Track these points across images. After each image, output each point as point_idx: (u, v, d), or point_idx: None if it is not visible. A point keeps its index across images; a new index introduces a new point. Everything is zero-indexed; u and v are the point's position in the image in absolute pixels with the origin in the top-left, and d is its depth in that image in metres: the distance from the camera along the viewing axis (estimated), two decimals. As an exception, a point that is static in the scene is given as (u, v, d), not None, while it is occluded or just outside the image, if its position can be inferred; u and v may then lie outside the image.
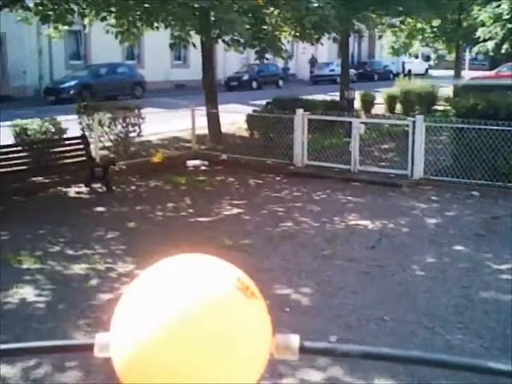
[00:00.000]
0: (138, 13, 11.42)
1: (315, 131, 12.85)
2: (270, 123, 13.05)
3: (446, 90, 24.60)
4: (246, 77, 33.88)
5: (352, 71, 28.86)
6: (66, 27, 12.06)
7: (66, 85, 26.30)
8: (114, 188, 10.68)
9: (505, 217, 8.92)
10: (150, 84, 29.47)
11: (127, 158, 12.79)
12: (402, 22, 21.14)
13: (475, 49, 23.09)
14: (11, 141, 12.02)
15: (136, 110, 13.48)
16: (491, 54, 22.81)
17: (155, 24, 11.66)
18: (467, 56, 32.60)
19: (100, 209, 9.52)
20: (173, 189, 10.92)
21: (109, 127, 13.17)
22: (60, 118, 13.33)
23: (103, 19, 11.20)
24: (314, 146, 12.62)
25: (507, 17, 20.59)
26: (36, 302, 6.11)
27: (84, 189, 10.72)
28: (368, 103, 20.28)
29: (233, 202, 9.90)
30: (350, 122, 12.37)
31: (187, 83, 33.31)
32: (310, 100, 15.62)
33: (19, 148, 10.65)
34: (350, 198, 10.13)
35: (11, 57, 27.73)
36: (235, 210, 9.47)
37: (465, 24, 23.81)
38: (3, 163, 9.99)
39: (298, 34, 16.05)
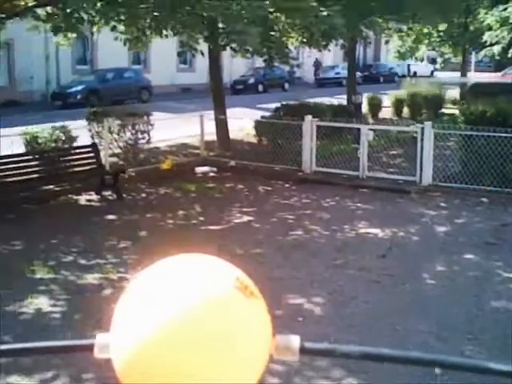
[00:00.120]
0: (148, 21, 11.48)
1: (323, 137, 12.91)
2: (279, 129, 13.10)
3: (453, 93, 24.63)
4: (251, 80, 33.94)
5: (357, 74, 28.90)
6: (74, 35, 12.12)
7: (73, 89, 26.42)
8: (124, 195, 10.75)
9: (514, 224, 8.96)
10: (157, 88, 29.57)
11: (136, 164, 12.87)
12: (410, 29, 21.19)
13: (482, 53, 23.09)
14: (22, 148, 12.13)
15: (145, 117, 13.56)
16: (498, 57, 22.83)
17: (164, 32, 11.71)
18: (473, 58, 32.60)
19: (111, 217, 9.60)
20: (183, 196, 10.98)
21: (118, 134, 13.27)
22: (67, 123, 13.42)
23: (113, 28, 11.27)
24: (323, 152, 12.68)
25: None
26: (51, 312, 6.18)
27: (94, 196, 10.79)
28: (375, 107, 20.33)
29: (243, 210, 9.96)
30: (359, 128, 12.43)
31: (193, 87, 33.42)
32: (318, 105, 15.66)
33: (30, 157, 10.73)
34: (359, 204, 10.18)
35: (18, 62, 27.86)
36: (245, 218, 9.53)
37: (471, 28, 23.83)
38: (14, 172, 10.09)
39: (305, 40, 16.10)
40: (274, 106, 22.95)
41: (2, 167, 10.07)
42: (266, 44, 10.77)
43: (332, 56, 40.25)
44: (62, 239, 8.44)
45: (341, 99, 23.37)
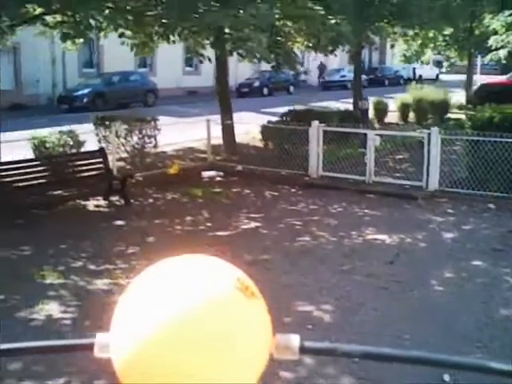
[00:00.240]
0: (156, 27, 11.53)
1: (330, 142, 12.94)
2: (285, 134, 13.15)
3: (458, 97, 24.63)
4: (257, 83, 34.01)
5: (363, 77, 28.96)
6: (82, 40, 12.18)
7: (80, 93, 26.53)
8: (131, 201, 10.80)
9: (521, 231, 8.98)
10: (162, 91, 29.65)
11: (143, 169, 12.92)
12: (416, 34, 21.22)
13: (488, 57, 23.10)
14: (29, 152, 12.21)
15: (152, 122, 13.63)
16: (504, 62, 22.83)
17: (172, 38, 11.77)
18: (478, 61, 32.56)
19: (119, 222, 9.64)
20: (190, 201, 11.02)
21: (125, 139, 13.34)
22: (74, 127, 13.49)
23: (121, 35, 11.33)
24: (329, 157, 12.71)
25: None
26: (62, 318, 6.22)
27: (102, 202, 10.84)
28: (381, 111, 20.34)
29: (250, 216, 10.00)
30: (365, 134, 12.46)
31: (199, 90, 33.51)
32: (325, 111, 15.71)
33: (38, 162, 10.80)
34: (366, 210, 10.20)
35: (25, 65, 27.98)
36: (253, 224, 9.56)
37: (477, 32, 23.83)
38: (23, 177, 10.15)
39: (311, 44, 16.14)
40: (279, 109, 23.06)
41: (11, 172, 10.14)
42: (274, 51, 10.81)
43: (337, 59, 40.31)
44: (71, 244, 8.49)
45: (346, 103, 23.42)
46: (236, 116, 15.91)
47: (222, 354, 0.73)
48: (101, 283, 7.07)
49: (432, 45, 24.27)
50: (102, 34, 13.65)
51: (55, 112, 25.27)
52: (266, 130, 14.52)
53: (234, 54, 13.57)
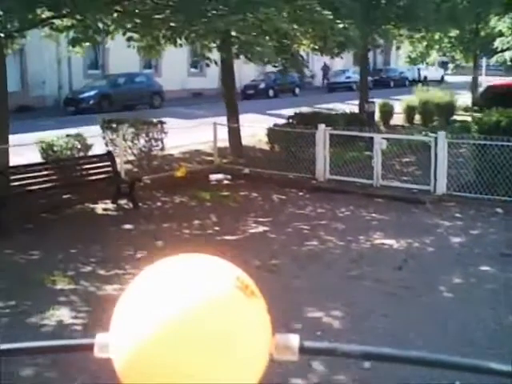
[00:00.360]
0: (163, 31, 11.55)
1: (336, 145, 12.97)
2: (292, 138, 13.19)
3: (464, 98, 24.62)
4: (262, 85, 34.00)
5: (368, 78, 29.01)
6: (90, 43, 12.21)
7: (86, 95, 26.59)
8: (139, 204, 10.84)
9: (529, 235, 8.98)
10: (168, 93, 29.68)
11: (150, 172, 12.97)
12: (422, 38, 21.23)
13: (493, 59, 23.09)
14: (36, 155, 12.26)
15: (159, 125, 13.68)
16: (509, 63, 22.82)
17: (179, 41, 11.80)
18: (484, 62, 32.53)
19: (128, 226, 9.67)
20: (198, 205, 11.05)
21: (132, 141, 13.39)
22: (81, 130, 13.54)
23: (129, 39, 11.37)
24: (336, 160, 12.73)
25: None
26: (73, 324, 6.25)
27: (110, 205, 10.88)
28: (387, 114, 20.33)
29: (258, 220, 10.02)
30: (372, 137, 12.48)
31: (204, 92, 33.54)
32: (331, 114, 15.76)
33: (47, 166, 10.84)
34: (373, 215, 10.22)
35: (31, 67, 28.04)
36: (261, 228, 9.59)
37: (482, 33, 23.82)
38: (31, 181, 10.20)
39: (316, 47, 16.15)
40: (284, 111, 23.11)
41: (19, 176, 10.19)
42: (281, 55, 10.85)
43: (342, 60, 40.31)
44: (80, 249, 8.52)
45: (352, 105, 23.44)
46: (241, 118, 15.94)
47: (221, 354, 0.73)
48: (111, 289, 7.10)
49: (437, 46, 24.26)
50: (109, 36, 13.74)
51: (61, 114, 25.36)
52: (272, 133, 14.56)
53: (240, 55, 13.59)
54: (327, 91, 37.72)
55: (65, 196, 10.69)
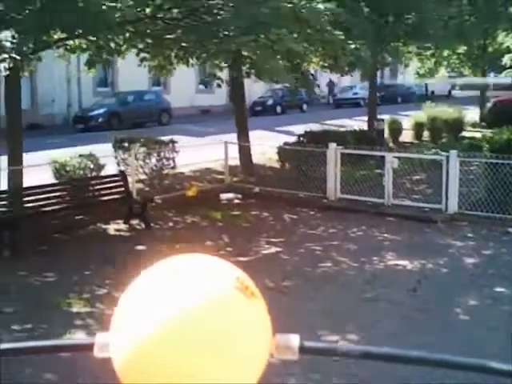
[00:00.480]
0: (174, 50, 11.64)
1: (346, 163, 12.99)
2: (303, 156, 13.23)
3: (472, 114, 24.62)
4: (270, 101, 34.11)
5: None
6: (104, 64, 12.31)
7: (95, 112, 26.74)
8: (151, 224, 10.87)
9: (542, 256, 8.97)
10: (176, 110, 29.81)
11: (162, 191, 13.02)
12: (432, 55, 21.32)
13: (502, 75, 23.15)
14: (48, 174, 12.33)
15: (170, 144, 13.75)
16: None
17: (190, 61, 11.90)
18: (491, 76, 32.58)
19: (140, 247, 9.69)
20: (209, 225, 11.08)
21: (143, 161, 13.46)
22: (92, 148, 13.60)
23: (142, 60, 11.47)
24: (347, 178, 12.75)
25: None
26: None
27: (123, 225, 10.92)
28: (396, 131, 20.36)
29: (270, 240, 10.04)
30: (382, 155, 12.50)
31: (212, 108, 33.69)
32: (341, 132, 15.79)
33: (60, 187, 10.91)
34: (385, 235, 10.22)
35: (40, 85, 28.23)
36: (273, 249, 9.60)
37: (490, 49, 23.90)
38: (45, 202, 10.26)
39: (326, 64, 16.22)
40: (293, 128, 23.19)
41: (33, 198, 10.27)
42: (292, 74, 10.92)
43: (349, 76, 40.38)
44: (95, 271, 8.55)
45: (360, 121, 23.48)
46: (250, 135, 15.98)
47: (221, 354, 0.73)
48: (126, 311, 7.10)
49: (446, 62, 24.34)
50: (120, 56, 13.87)
51: (71, 131, 25.49)
52: (283, 152, 14.61)
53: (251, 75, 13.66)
54: (334, 107, 37.78)
55: (77, 217, 10.75)
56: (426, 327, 6.64)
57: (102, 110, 26.73)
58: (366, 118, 20.50)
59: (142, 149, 13.41)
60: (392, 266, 8.68)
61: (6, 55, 8.07)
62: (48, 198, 10.34)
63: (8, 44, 7.96)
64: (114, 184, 11.20)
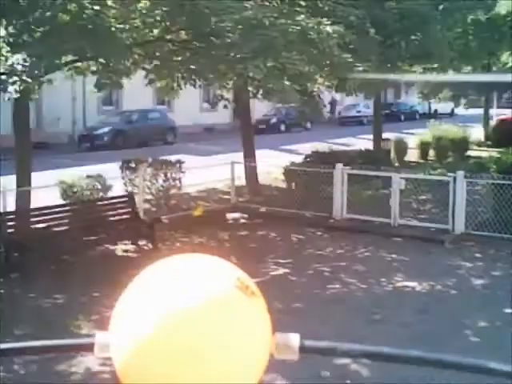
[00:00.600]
0: (182, 71, 11.69)
1: (352, 183, 13.01)
2: (309, 177, 13.26)
3: (477, 133, 24.66)
4: (274, 120, 34.15)
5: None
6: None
7: (100, 131, 26.79)
8: (159, 245, 10.89)
9: (551, 276, 8.96)
10: (180, 128, 29.84)
11: (169, 211, 13.04)
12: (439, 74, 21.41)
13: (506, 95, 23.24)
14: (55, 194, 12.37)
15: (177, 165, 13.81)
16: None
17: (198, 83, 11.97)
18: (495, 95, 32.68)
19: (149, 268, 9.68)
20: (217, 246, 11.10)
21: (150, 181, 13.50)
22: (97, 167, 13.67)
23: (151, 81, 11.55)
24: (353, 198, 12.76)
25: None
26: (101, 371, 6.26)
27: (130, 246, 10.93)
28: (401, 150, 20.38)
29: (278, 261, 10.05)
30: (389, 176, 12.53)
31: (216, 127, 33.75)
32: (347, 152, 15.85)
33: (67, 208, 10.95)
34: (393, 255, 10.23)
35: (46, 103, 28.35)
36: (281, 270, 9.61)
37: (494, 68, 23.99)
38: (53, 223, 10.29)
39: (330, 84, 16.29)
40: (297, 146, 23.26)
41: (41, 218, 10.29)
42: (300, 96, 10.99)
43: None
44: (103, 292, 8.52)
45: (364, 139, 23.55)
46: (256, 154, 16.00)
47: (222, 354, 0.73)
48: (136, 334, 7.10)
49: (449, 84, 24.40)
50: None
51: (76, 150, 25.54)
52: (289, 172, 14.65)
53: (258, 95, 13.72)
54: (338, 125, 37.83)
55: (85, 238, 10.75)
56: (437, 350, 6.59)
57: (107, 129, 26.80)
58: (370, 137, 20.55)
59: (149, 169, 13.46)
60: (400, 288, 8.69)
61: (16, 78, 8.14)
62: (56, 219, 10.38)
63: (19, 67, 8.02)
64: (122, 205, 11.22)
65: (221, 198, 14.95)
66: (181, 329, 0.72)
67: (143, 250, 10.80)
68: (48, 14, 8.12)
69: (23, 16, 8.28)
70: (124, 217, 11.12)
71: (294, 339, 0.80)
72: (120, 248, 10.89)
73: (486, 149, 21.67)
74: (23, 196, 10.62)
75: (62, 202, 12.12)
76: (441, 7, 16.24)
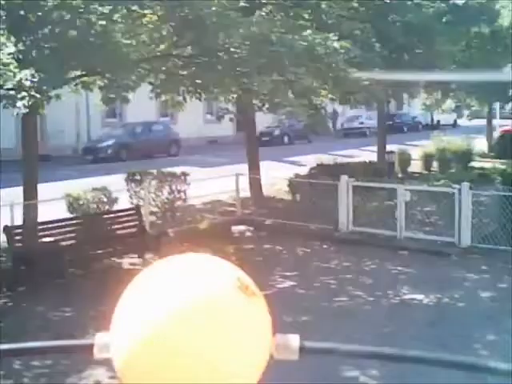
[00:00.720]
0: (188, 85, 11.76)
1: (356, 195, 13.02)
2: (314, 189, 13.29)
3: (480, 144, 24.68)
4: (277, 132, 34.17)
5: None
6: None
7: (104, 144, 26.83)
8: (165, 259, 10.88)
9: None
10: (184, 140, 29.86)
11: (174, 224, 13.06)
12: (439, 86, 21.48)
13: (509, 106, 23.30)
14: (61, 205, 12.40)
15: (182, 177, 13.85)
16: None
17: (203, 96, 12.04)
18: (497, 106, 32.73)
19: (156, 282, 9.70)
20: (224, 259, 11.08)
21: (155, 194, 13.54)
22: (102, 179, 13.69)
23: (157, 95, 11.62)
24: (358, 210, 12.77)
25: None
26: (110, 385, 6.28)
27: (137, 259, 10.95)
28: (405, 161, 20.41)
29: (285, 274, 10.06)
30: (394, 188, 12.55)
31: (219, 139, 33.79)
32: (351, 164, 15.88)
33: (74, 221, 10.99)
34: (399, 268, 10.24)
35: (49, 117, 28.40)
36: (288, 283, 9.62)
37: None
38: (61, 236, 10.33)
39: (334, 97, 16.34)
40: (300, 158, 23.30)
41: (47, 233, 10.33)
42: (307, 111, 11.06)
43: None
44: (111, 306, 8.45)
45: (367, 151, 23.60)
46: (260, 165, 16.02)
47: (221, 354, 0.73)
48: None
49: (452, 94, 24.49)
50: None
51: (80, 163, 25.56)
52: (293, 184, 14.68)
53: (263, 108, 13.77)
54: (340, 137, 37.80)
55: (92, 251, 10.78)
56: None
57: (110, 142, 26.85)
58: (373, 148, 20.61)
59: (154, 182, 13.50)
60: (408, 300, 8.69)
61: (25, 93, 8.20)
62: (63, 233, 10.42)
63: (28, 83, 8.08)
64: (129, 218, 11.26)
65: (226, 210, 14.96)
66: (180, 329, 0.73)
67: (149, 264, 10.76)
68: (57, 30, 8.19)
69: (32, 33, 8.35)
70: (131, 230, 11.15)
71: (294, 340, 0.80)
72: (126, 261, 10.91)
73: (489, 160, 21.70)
74: (30, 209, 10.66)
75: (68, 214, 12.17)
76: (444, 19, 16.34)
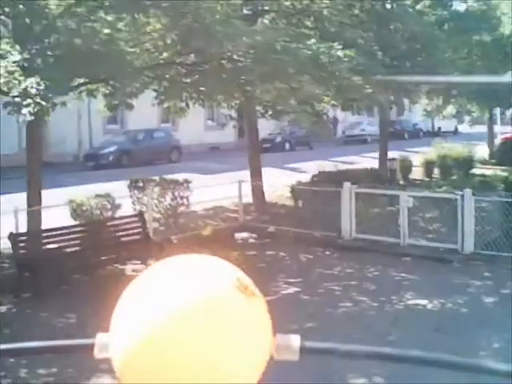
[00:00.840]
0: (191, 92, 11.81)
1: (359, 201, 13.05)
2: (316, 196, 13.31)
3: (481, 151, 24.71)
4: (278, 138, 34.23)
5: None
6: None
7: (106, 151, 26.86)
8: (169, 265, 10.91)
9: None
10: (185, 147, 29.87)
11: (177, 230, 13.09)
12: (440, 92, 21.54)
13: (510, 111, 23.36)
14: (64, 211, 12.43)
15: (185, 184, 13.88)
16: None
17: (206, 103, 12.09)
18: (498, 112, 32.79)
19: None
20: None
21: (158, 200, 13.57)
22: (104, 186, 13.70)
23: (160, 103, 11.67)
24: (360, 217, 12.80)
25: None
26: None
27: (140, 266, 10.95)
28: (406, 168, 20.46)
29: (288, 281, 10.09)
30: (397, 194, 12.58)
31: (221, 145, 33.82)
32: (353, 170, 15.92)
33: (78, 228, 11.02)
34: (403, 274, 10.26)
35: (51, 123, 28.41)
36: (292, 289, 9.64)
37: (497, 86, 24.09)
38: (65, 243, 10.36)
39: (336, 103, 16.39)
40: (302, 165, 23.33)
41: (53, 239, 10.35)
42: (310, 118, 11.12)
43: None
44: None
45: (368, 158, 23.64)
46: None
47: (221, 354, 0.73)
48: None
49: (454, 100, 24.55)
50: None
51: (82, 169, 25.60)
52: (296, 191, 14.70)
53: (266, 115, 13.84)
54: (341, 143, 37.82)
55: (96, 258, 10.81)
56: (456, 374, 6.61)
57: (112, 148, 26.90)
58: (374, 155, 20.64)
59: (157, 188, 13.54)
60: (412, 306, 8.71)
61: (30, 100, 8.24)
62: (67, 240, 10.45)
63: (33, 90, 8.12)
64: (133, 225, 11.29)
65: (228, 217, 14.99)
66: (180, 329, 0.73)
67: (153, 270, 10.83)
68: (62, 38, 8.24)
69: (37, 41, 8.41)
70: (134, 237, 11.17)
71: (295, 340, 0.80)
72: (129, 268, 10.92)
73: (490, 167, 21.74)
74: (35, 216, 10.69)
75: (71, 220, 12.21)
76: (445, 27, 16.40)
